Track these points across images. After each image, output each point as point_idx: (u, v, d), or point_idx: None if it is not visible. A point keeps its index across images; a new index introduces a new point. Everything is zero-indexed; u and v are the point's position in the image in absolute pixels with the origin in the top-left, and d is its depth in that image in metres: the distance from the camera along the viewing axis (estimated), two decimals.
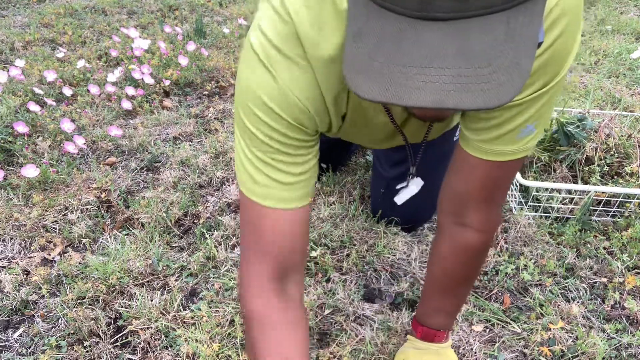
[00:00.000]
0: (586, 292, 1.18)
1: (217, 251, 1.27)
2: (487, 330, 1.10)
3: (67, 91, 2.03)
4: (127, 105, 1.96)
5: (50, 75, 2.11)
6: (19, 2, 3.30)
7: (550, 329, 1.08)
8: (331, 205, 1.42)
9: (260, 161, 0.69)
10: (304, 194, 0.73)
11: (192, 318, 1.10)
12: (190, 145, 1.76)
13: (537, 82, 0.63)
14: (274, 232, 0.73)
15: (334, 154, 1.51)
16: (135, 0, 3.36)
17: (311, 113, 0.67)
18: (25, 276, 1.21)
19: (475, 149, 0.71)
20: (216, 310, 1.11)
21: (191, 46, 2.39)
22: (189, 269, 1.23)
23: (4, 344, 1.06)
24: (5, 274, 1.21)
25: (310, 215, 1.37)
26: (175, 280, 1.20)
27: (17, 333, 1.09)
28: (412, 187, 1.11)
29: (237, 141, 0.71)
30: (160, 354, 1.03)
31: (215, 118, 1.96)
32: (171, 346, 1.04)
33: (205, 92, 2.16)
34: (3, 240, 1.32)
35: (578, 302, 1.16)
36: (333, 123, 0.72)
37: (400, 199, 1.14)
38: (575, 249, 1.29)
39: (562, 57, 0.62)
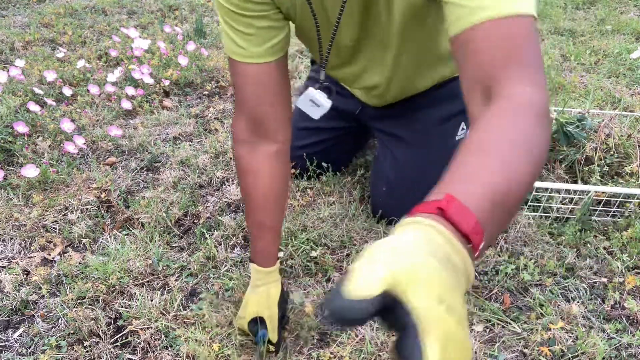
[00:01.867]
0: (586, 292, 1.18)
1: (217, 251, 1.27)
2: (487, 330, 1.10)
3: (67, 91, 2.03)
4: (127, 105, 1.96)
5: (50, 75, 2.11)
6: (19, 2, 3.30)
7: (550, 329, 1.08)
8: (331, 205, 1.43)
9: (228, 24, 0.87)
10: (270, 50, 0.89)
11: (192, 318, 1.10)
12: (190, 145, 1.76)
13: None
14: (245, 84, 0.92)
15: (334, 155, 1.51)
16: (135, 0, 3.36)
17: None
18: (25, 276, 1.21)
19: (466, 20, 0.62)
20: (216, 311, 1.11)
21: (191, 46, 2.39)
22: (189, 269, 1.23)
23: (4, 344, 1.06)
24: (5, 274, 1.21)
25: (311, 216, 1.37)
26: (175, 280, 1.20)
27: (17, 333, 1.09)
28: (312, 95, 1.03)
29: (219, 19, 0.90)
30: (160, 354, 1.03)
31: (215, 118, 1.96)
32: (171, 346, 1.04)
33: (205, 92, 2.16)
34: (3, 240, 1.32)
35: (578, 302, 1.16)
36: None
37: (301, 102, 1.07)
38: (575, 249, 1.29)
39: None
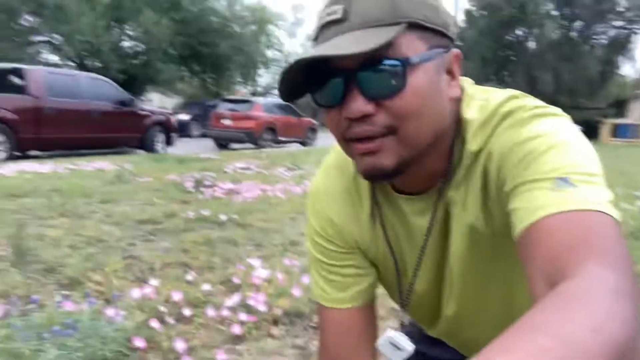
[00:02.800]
0: None
1: None
2: None
3: (187, 311, 2.17)
4: (236, 330, 2.02)
5: (177, 296, 2.30)
6: (167, 230, 3.83)
7: None
8: None
9: (315, 269, 0.90)
10: (354, 296, 0.87)
11: None
12: None
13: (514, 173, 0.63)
14: (328, 328, 0.90)
15: None
16: (263, 234, 3.75)
17: (338, 226, 0.86)
18: None
19: (528, 220, 0.57)
20: None
21: (306, 279, 2.51)
22: None
23: None
24: None
25: None
26: None
27: None
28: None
29: (309, 262, 0.93)
30: None
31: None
32: None
33: (312, 324, 2.18)
34: None
35: None
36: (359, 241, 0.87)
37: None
38: None
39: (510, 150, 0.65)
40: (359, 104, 0.64)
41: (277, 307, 2.24)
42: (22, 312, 2.05)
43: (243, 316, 2.11)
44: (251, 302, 2.22)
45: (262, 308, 2.20)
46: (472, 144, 0.70)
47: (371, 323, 0.92)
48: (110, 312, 2.03)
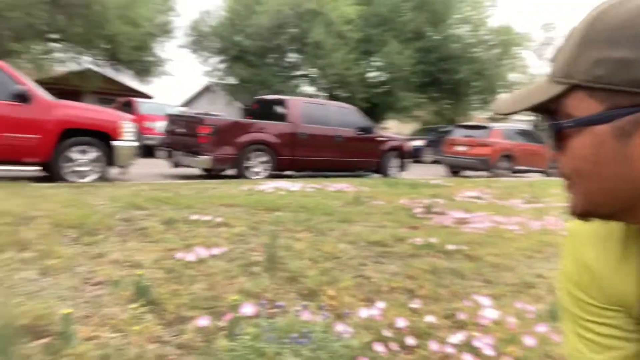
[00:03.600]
0: None
1: None
2: None
3: (410, 341, 2.17)
4: None
5: (401, 322, 2.32)
6: (394, 253, 3.93)
7: None
8: None
9: (567, 323, 0.82)
10: None
11: None
12: None
13: None
14: None
15: None
16: (494, 270, 3.52)
17: (596, 275, 0.76)
18: None
19: None
20: None
21: (542, 328, 2.26)
22: None
23: None
24: None
25: None
26: None
27: None
28: None
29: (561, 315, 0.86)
30: None
31: None
32: None
33: None
34: None
35: None
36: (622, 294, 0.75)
37: None
38: None
39: None
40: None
41: (506, 355, 2.06)
42: (268, 314, 2.34)
43: (468, 357, 2.00)
44: (477, 344, 2.09)
45: (489, 352, 2.05)
46: None
47: None
48: (339, 327, 2.16)
